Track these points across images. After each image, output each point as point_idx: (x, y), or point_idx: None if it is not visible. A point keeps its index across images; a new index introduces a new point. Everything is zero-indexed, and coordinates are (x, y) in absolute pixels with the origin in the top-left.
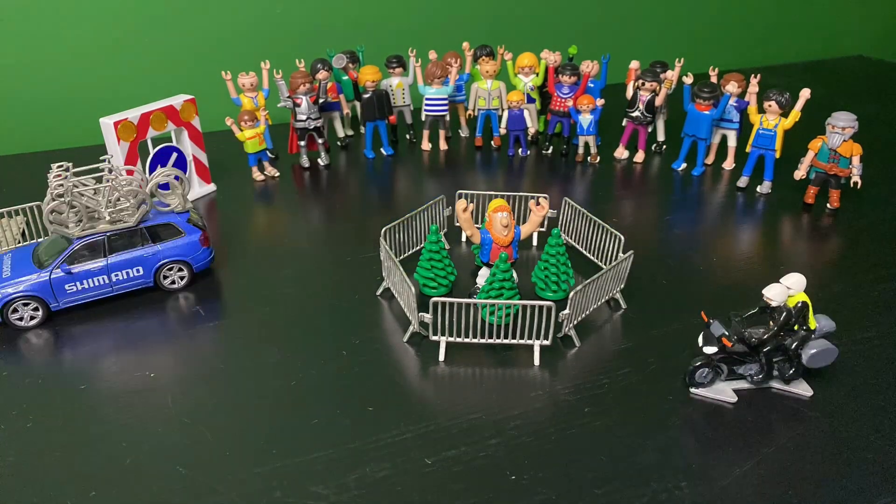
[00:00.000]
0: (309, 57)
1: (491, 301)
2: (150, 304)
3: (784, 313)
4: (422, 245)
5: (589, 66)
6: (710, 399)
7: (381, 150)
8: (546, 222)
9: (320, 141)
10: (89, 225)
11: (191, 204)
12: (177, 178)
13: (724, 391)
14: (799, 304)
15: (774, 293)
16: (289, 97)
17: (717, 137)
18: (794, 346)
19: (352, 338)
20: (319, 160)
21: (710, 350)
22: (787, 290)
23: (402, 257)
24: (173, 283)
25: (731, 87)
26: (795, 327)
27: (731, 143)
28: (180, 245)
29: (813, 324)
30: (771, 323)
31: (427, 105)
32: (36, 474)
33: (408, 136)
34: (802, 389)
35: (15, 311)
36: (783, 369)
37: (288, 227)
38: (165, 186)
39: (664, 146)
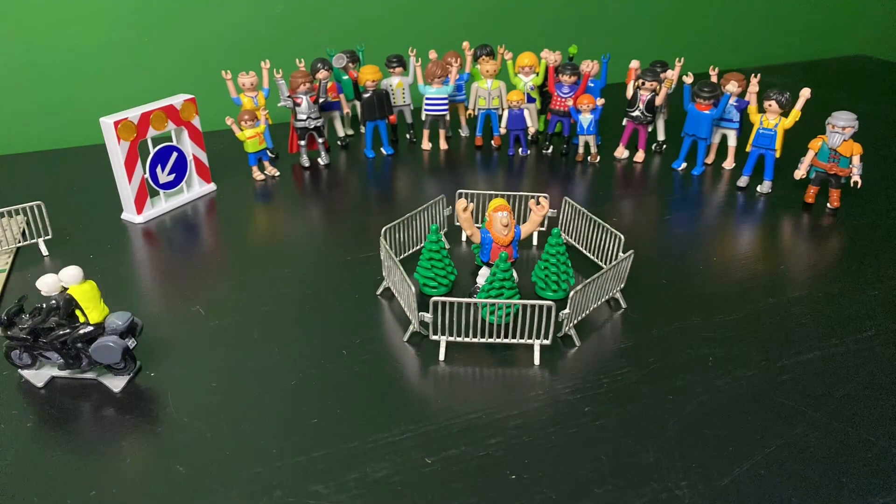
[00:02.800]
0: (309, 56)
1: (491, 300)
2: (149, 304)
3: (52, 303)
4: (422, 245)
5: (589, 66)
6: (28, 380)
7: (382, 149)
8: (546, 222)
9: (320, 140)
10: None
11: None
12: None
13: (38, 375)
14: (67, 297)
15: (44, 283)
16: (289, 97)
17: (718, 137)
18: (73, 338)
19: (352, 338)
20: (319, 160)
21: None
22: (59, 281)
23: (402, 257)
24: None
25: (732, 87)
26: (82, 318)
27: (731, 142)
28: None
29: (94, 318)
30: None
31: (427, 104)
32: (36, 474)
33: (408, 136)
34: (112, 383)
35: None
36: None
37: (288, 226)
38: (168, 186)
39: (664, 146)
